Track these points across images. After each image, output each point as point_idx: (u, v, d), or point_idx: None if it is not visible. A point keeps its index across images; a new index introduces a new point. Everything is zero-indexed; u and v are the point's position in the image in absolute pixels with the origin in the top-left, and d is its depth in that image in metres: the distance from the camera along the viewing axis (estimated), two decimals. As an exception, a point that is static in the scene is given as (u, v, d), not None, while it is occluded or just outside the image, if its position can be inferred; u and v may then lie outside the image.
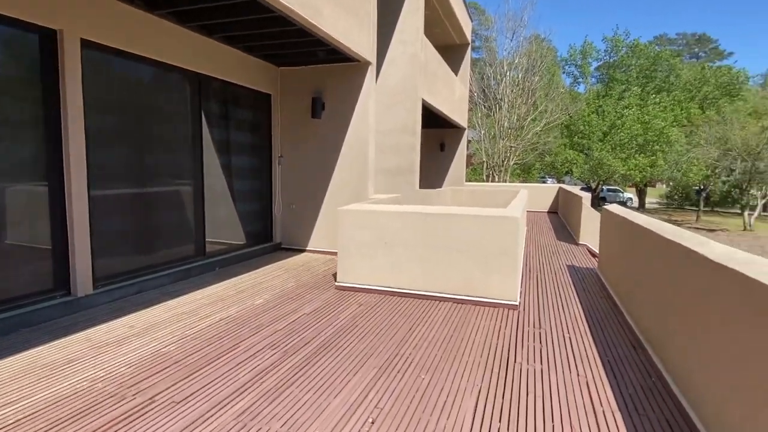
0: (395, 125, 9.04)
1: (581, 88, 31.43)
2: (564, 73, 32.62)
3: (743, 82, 25.02)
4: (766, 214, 31.24)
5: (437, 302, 4.45)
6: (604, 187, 34.88)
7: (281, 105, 6.88)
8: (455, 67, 14.78)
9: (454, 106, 12.58)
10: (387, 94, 8.94)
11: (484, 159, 21.23)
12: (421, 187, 14.82)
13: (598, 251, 7.03)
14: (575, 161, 25.72)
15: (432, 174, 15.35)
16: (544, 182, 51.06)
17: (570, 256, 7.45)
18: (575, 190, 11.93)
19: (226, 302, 4.35)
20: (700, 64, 26.10)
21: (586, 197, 9.16)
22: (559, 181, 57.37)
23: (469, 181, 29.74)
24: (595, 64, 29.45)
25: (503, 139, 20.33)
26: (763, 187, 19.04)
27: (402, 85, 8.92)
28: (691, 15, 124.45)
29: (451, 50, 14.72)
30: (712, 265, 2.25)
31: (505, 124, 20.24)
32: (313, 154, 6.74)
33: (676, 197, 42.78)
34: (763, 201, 19.74)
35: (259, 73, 6.47)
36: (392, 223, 4.65)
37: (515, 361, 3.07)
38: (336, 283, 4.91)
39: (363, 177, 6.49)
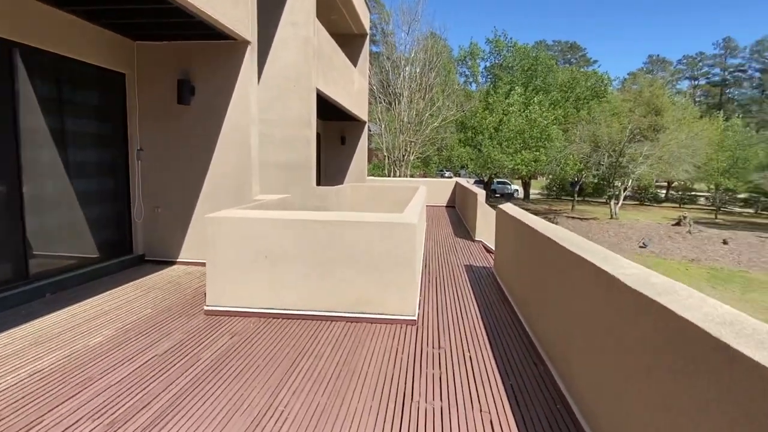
0: (288, 116, 8.23)
1: (473, 87, 33.21)
2: (457, 72, 34.16)
3: (607, 84, 28.52)
4: (627, 203, 36.32)
5: (328, 323, 3.87)
6: (495, 180, 37.49)
7: (139, 87, 5.68)
8: (354, 58, 14.26)
9: (354, 98, 12.05)
10: (278, 81, 8.07)
11: (385, 154, 21.21)
12: (322, 183, 14.12)
13: (494, 249, 7.06)
14: (469, 156, 27.06)
15: (334, 168, 14.73)
16: (442, 175, 53.47)
17: (467, 254, 7.39)
18: (470, 186, 12.22)
19: (48, 345, 3.28)
20: (571, 68, 29.12)
21: (481, 194, 9.30)
22: (456, 175, 60.55)
23: (372, 175, 29.74)
24: (484, 65, 31.28)
25: (403, 134, 20.45)
26: (625, 180, 21.75)
27: (294, 71, 8.12)
28: (564, 25, 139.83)
29: (348, 40, 14.15)
30: (622, 287, 1.98)
31: (405, 118, 20.38)
32: (183, 147, 5.68)
33: (554, 188, 47.78)
34: (625, 192, 22.59)
35: (108, 47, 5.22)
36: (274, 232, 3.94)
37: (412, 399, 2.62)
38: (206, 307, 4.06)
39: (245, 174, 5.63)
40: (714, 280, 14.07)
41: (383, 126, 21.16)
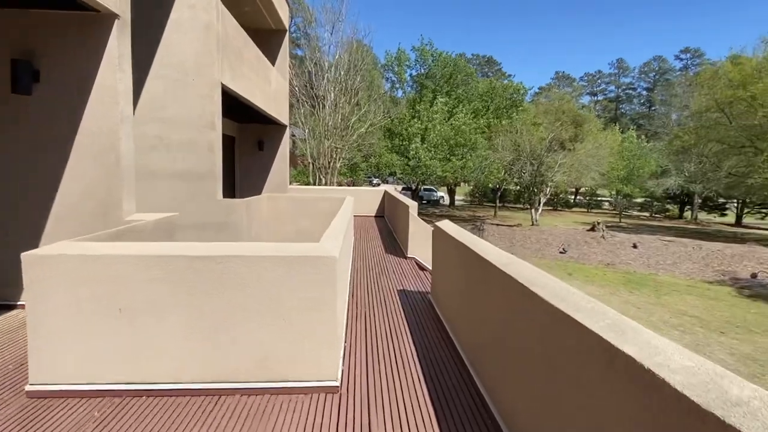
0: (186, 115, 6.89)
1: (399, 94, 33.14)
2: (384, 78, 33.93)
3: (523, 95, 29.96)
4: (542, 208, 38.44)
5: (216, 399, 2.76)
6: (422, 187, 37.76)
7: (-50, 67, 4.11)
8: (272, 57, 13.03)
9: (271, 99, 10.83)
10: (172, 73, 6.71)
11: (310, 160, 20.01)
12: (238, 195, 12.61)
13: (430, 269, 6.32)
14: (397, 163, 26.74)
15: (252, 176, 13.28)
16: (371, 183, 53.18)
17: (400, 275, 6.57)
18: (400, 195, 11.54)
19: None
20: (490, 79, 30.22)
21: (413, 206, 8.60)
22: (384, 182, 60.41)
23: (298, 183, 28.24)
24: (410, 72, 31.32)
25: (329, 139, 19.44)
26: (544, 187, 22.62)
27: (194, 62, 6.81)
28: (482, 40, 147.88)
29: (265, 37, 12.90)
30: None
31: (330, 123, 19.39)
32: (22, 150, 4.20)
33: (476, 195, 49.55)
34: (544, 200, 23.53)
35: None
36: (136, 273, 2.75)
37: None
38: (28, 387, 2.74)
39: (114, 188, 4.29)
40: (630, 285, 14.78)
41: (307, 131, 19.97)
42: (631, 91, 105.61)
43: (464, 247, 3.70)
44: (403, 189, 42.32)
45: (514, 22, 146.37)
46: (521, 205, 46.32)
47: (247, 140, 13.27)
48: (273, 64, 12.59)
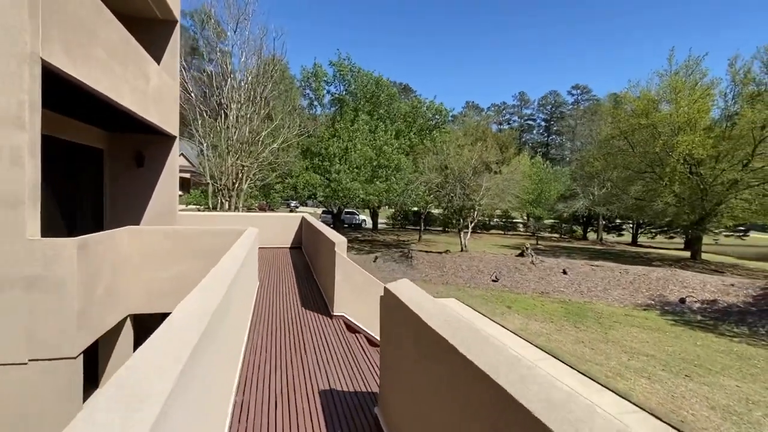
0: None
1: (318, 111, 30.86)
2: (302, 96, 31.55)
3: (445, 116, 29.41)
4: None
5: None
6: (344, 210, 35.43)
7: None
8: (156, 51, 9.98)
9: (150, 100, 7.81)
10: None
11: (209, 180, 16.64)
12: (107, 225, 9.19)
13: (370, 334, 3.98)
14: (317, 184, 24.23)
15: (128, 201, 9.87)
16: (288, 206, 49.60)
17: (324, 353, 4.07)
18: (321, 226, 9.07)
19: None
20: (413, 99, 29.31)
21: (340, 244, 6.19)
22: (303, 205, 56.94)
23: (199, 207, 24.29)
24: (329, 89, 29.31)
25: (233, 156, 16.32)
26: (472, 212, 21.56)
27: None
28: (399, 67, 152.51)
29: (148, 26, 9.85)
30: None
31: (235, 137, 16.33)
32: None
33: (398, 218, 48.47)
34: (472, 224, 22.48)
35: None
36: None
37: None
38: None
39: None
40: (572, 317, 13.72)
41: (206, 145, 16.67)
42: (531, 122, 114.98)
43: (446, 344, 1.41)
44: (324, 213, 39.66)
45: (428, 52, 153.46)
46: (442, 229, 46.11)
47: (121, 154, 9.88)
48: (158, 60, 9.62)
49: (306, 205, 58.22)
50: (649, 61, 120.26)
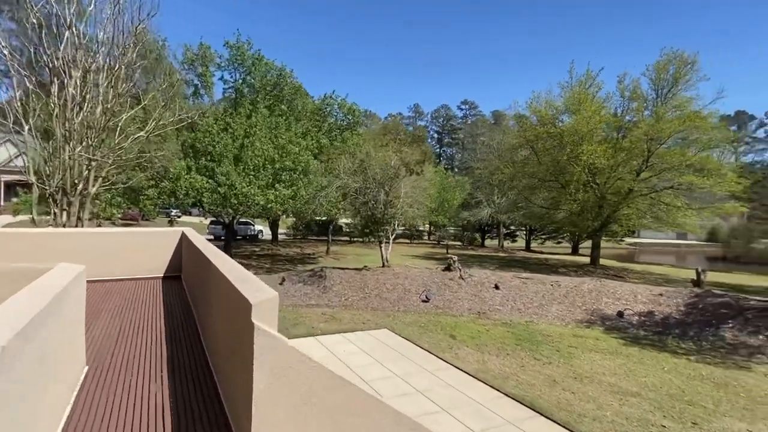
0: None
1: (205, 100, 25.88)
2: (185, 82, 26.26)
3: (358, 116, 26.74)
4: (371, 240, 35.69)
5: None
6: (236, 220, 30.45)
7: None
8: None
9: None
10: None
11: (32, 179, 11.27)
12: None
13: None
14: (203, 189, 19.59)
15: None
16: (168, 215, 42.08)
17: None
18: (213, 251, 5.46)
19: None
20: (324, 96, 26.26)
21: (262, 305, 2.79)
22: (186, 214, 49.22)
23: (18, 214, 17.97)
24: (220, 75, 24.66)
25: (75, 146, 11.24)
26: (393, 222, 19.03)
27: None
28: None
29: None
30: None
31: (78, 118, 11.29)
32: None
33: (300, 228, 44.43)
34: (393, 235, 19.95)
35: None
36: None
37: None
38: None
39: None
40: (525, 344, 11.78)
41: (27, 128, 11.30)
42: (410, 138, 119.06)
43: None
44: (213, 223, 34.00)
45: (319, 62, 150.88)
46: (349, 239, 43.27)
47: None
48: None
49: (190, 215, 50.70)
50: (532, 78, 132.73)
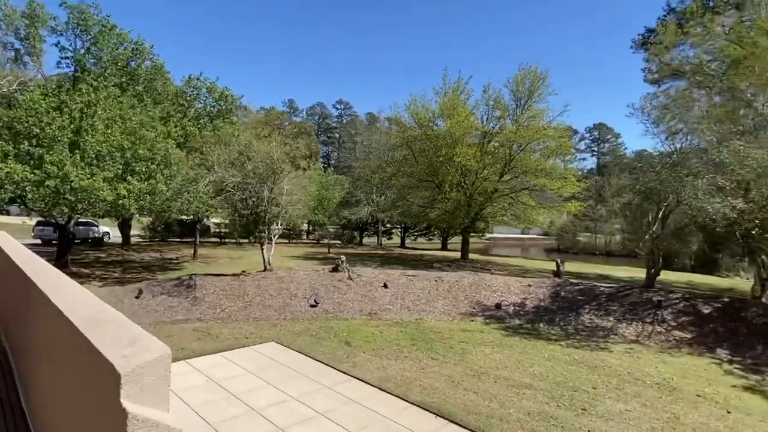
0: None
1: (29, 69, 20.54)
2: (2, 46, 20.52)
3: (232, 103, 23.99)
4: (243, 240, 32.78)
5: None
6: (76, 219, 25.00)
7: None
8: None
9: None
10: None
11: None
12: None
13: None
14: (26, 181, 15.31)
15: None
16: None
17: None
18: (32, 261, 3.71)
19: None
20: (189, 76, 22.84)
21: (153, 365, 1.60)
22: (1, 213, 39.22)
23: None
24: (56, 41, 19.74)
25: None
26: (277, 222, 17.41)
27: None
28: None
29: None
30: None
31: None
32: None
33: (158, 229, 38.99)
34: (276, 236, 18.27)
35: None
36: None
37: None
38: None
39: None
40: (419, 344, 11.58)
41: None
42: (296, 130, 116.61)
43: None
44: (40, 224, 27.35)
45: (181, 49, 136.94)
46: (220, 240, 39.33)
47: None
48: None
49: (8, 214, 40.53)
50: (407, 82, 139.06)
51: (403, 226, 50.61)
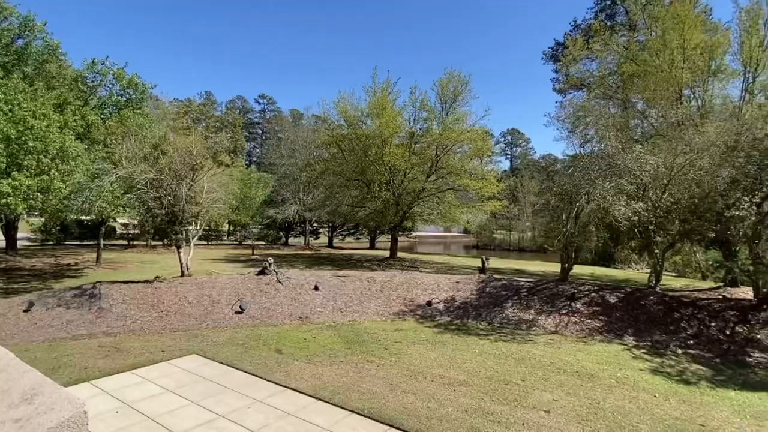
0: None
1: None
2: None
3: (143, 92, 21.63)
4: (157, 242, 30.03)
5: None
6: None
7: None
8: None
9: None
10: None
11: None
12: None
13: None
14: None
15: None
16: None
17: None
18: None
19: None
20: (92, 59, 20.04)
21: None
22: None
23: None
24: None
25: None
26: (197, 222, 16.07)
27: None
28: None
29: None
30: None
31: None
32: None
33: (52, 231, 34.53)
34: (195, 237, 16.85)
35: None
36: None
37: None
38: None
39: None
40: (354, 347, 11.29)
41: None
42: (218, 123, 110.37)
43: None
44: None
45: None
46: (128, 243, 35.69)
47: None
48: None
49: None
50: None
51: (331, 225, 49.89)
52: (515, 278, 18.28)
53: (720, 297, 15.11)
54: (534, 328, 13.61)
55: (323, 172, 30.94)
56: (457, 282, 17.49)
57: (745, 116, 17.16)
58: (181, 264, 15.73)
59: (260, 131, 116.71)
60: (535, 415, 7.66)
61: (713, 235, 14.79)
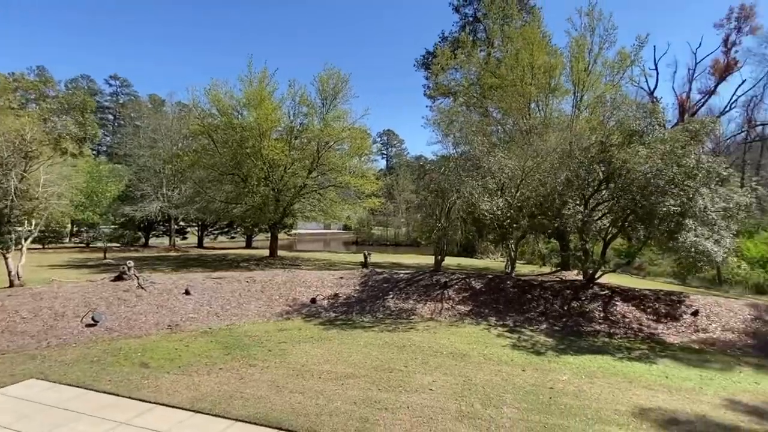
0: None
1: None
2: None
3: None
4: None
5: None
6: None
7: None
8: None
9: None
10: None
11: None
12: None
13: None
14: None
15: None
16: None
17: None
18: None
19: None
20: None
21: None
22: None
23: None
24: None
25: None
26: (31, 222, 13.27)
27: None
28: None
29: None
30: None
31: None
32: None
33: None
34: (29, 240, 13.90)
35: None
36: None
37: None
38: None
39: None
40: (235, 351, 10.56)
41: None
42: (63, 105, 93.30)
43: None
44: None
45: None
46: None
47: None
48: None
49: None
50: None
51: (200, 223, 45.88)
52: (395, 271, 19.18)
53: (558, 279, 18.00)
54: (413, 317, 14.48)
55: (192, 164, 28.35)
56: (341, 278, 17.67)
57: (575, 128, 20.67)
58: (9, 272, 12.85)
59: (112, 116, 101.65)
60: (418, 397, 8.17)
61: (552, 228, 17.53)
